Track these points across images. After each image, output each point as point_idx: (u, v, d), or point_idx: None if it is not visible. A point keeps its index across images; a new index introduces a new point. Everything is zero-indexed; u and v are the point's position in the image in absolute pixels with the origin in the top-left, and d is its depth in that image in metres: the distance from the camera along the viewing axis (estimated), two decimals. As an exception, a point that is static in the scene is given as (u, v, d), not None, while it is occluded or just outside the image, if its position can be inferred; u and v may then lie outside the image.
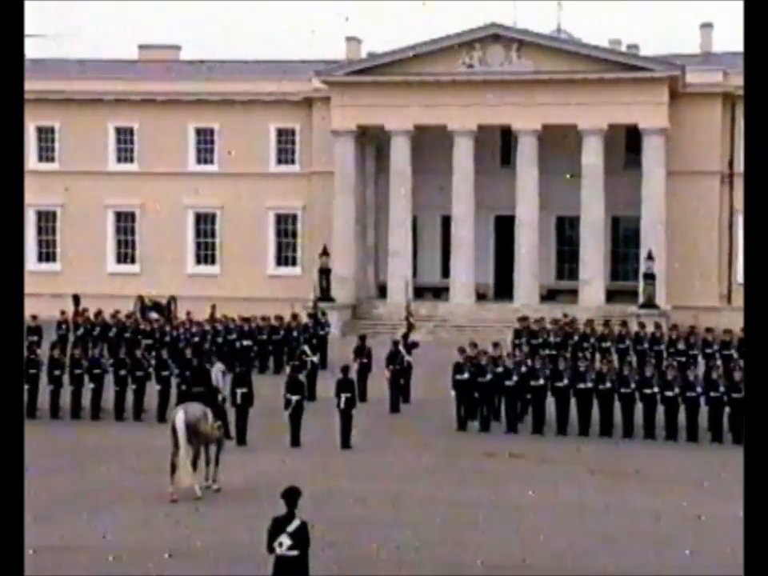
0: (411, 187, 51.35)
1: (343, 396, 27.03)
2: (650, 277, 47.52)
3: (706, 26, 56.57)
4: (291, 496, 13.16)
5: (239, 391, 27.08)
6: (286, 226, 55.58)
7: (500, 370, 30.02)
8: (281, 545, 12.97)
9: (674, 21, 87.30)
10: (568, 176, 50.11)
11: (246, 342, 38.73)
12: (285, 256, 55.67)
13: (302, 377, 29.01)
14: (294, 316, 40.53)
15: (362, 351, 34.15)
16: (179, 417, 21.15)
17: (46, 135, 56.26)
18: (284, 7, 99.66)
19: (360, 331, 42.27)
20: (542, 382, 29.64)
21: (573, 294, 50.63)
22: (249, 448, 26.40)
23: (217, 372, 25.89)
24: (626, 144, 52.47)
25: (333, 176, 52.05)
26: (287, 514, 13.09)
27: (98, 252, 55.93)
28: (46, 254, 56.87)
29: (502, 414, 30.10)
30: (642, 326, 39.04)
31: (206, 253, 56.14)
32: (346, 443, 26.89)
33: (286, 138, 55.10)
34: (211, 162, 55.73)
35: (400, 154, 51.30)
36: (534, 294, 50.42)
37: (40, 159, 56.27)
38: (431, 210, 53.63)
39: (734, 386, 28.28)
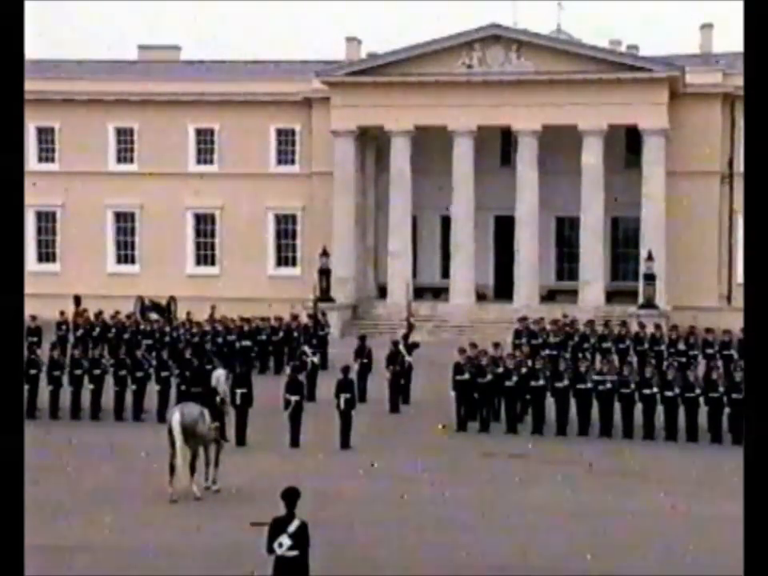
0: (411, 187, 51.39)
1: (343, 396, 27.02)
2: (649, 277, 47.52)
3: (706, 27, 56.59)
4: (291, 496, 13.15)
5: (239, 391, 27.06)
6: (286, 226, 55.60)
7: (500, 370, 30.02)
8: (281, 545, 12.96)
9: (674, 21, 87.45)
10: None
11: (245, 343, 38.73)
12: (285, 256, 55.69)
13: (301, 377, 28.99)
14: (294, 316, 40.54)
15: (362, 352, 34.15)
16: (175, 418, 21.16)
17: (46, 135, 56.27)
18: (284, 7, 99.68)
19: (360, 332, 42.25)
20: (542, 382, 29.63)
21: (573, 294, 50.63)
22: (248, 448, 26.39)
23: (219, 376, 25.67)
24: (626, 144, 52.53)
25: (333, 176, 52.08)
26: (287, 514, 13.08)
27: (98, 252, 55.95)
28: (46, 254, 56.88)
29: (502, 415, 30.10)
30: (642, 326, 39.04)
31: (205, 253, 56.15)
32: (345, 444, 26.89)
33: (286, 138, 55.13)
34: (211, 162, 55.76)
35: (400, 154, 51.33)
36: (534, 294, 50.44)
37: (40, 159, 56.29)
38: (431, 210, 53.67)
39: (734, 387, 28.27)
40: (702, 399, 28.67)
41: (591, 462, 25.35)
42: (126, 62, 59.79)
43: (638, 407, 29.19)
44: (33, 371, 30.46)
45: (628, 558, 18.09)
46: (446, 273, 52.83)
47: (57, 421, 30.59)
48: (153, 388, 30.90)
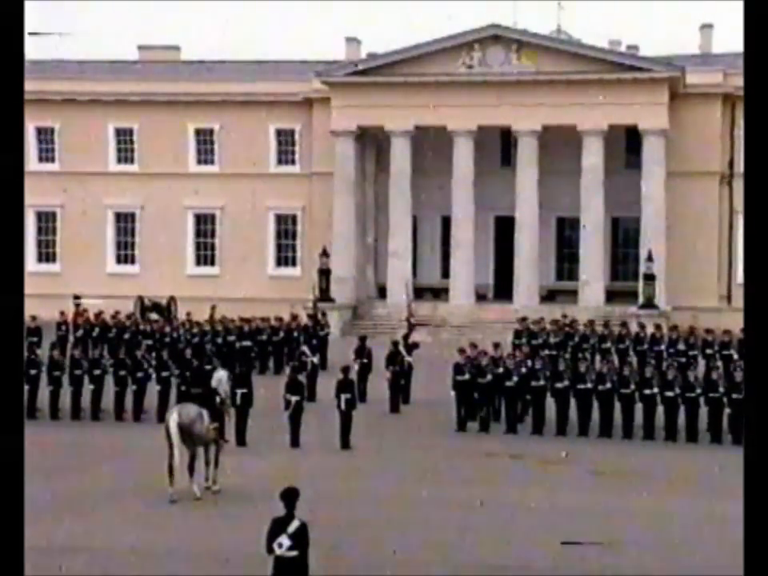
0: (411, 187, 51.38)
1: (343, 397, 27.01)
2: (649, 277, 47.51)
3: (706, 27, 56.62)
4: (290, 497, 13.15)
5: (239, 392, 27.04)
6: (286, 227, 55.59)
7: (500, 370, 30.01)
8: (280, 545, 12.95)
9: (674, 21, 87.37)
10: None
11: (245, 343, 38.72)
12: (285, 256, 55.67)
13: (301, 377, 28.98)
14: (294, 317, 40.53)
15: (362, 352, 34.14)
16: (173, 419, 21.16)
17: (45, 136, 56.26)
18: (284, 7, 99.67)
19: (360, 332, 42.26)
20: (542, 382, 29.64)
21: (573, 294, 50.62)
22: (248, 449, 26.39)
23: (221, 377, 25.58)
24: (626, 144, 52.49)
25: (333, 176, 52.07)
26: (286, 514, 13.08)
27: (98, 252, 55.93)
28: (46, 254, 56.87)
29: (502, 415, 30.10)
30: (641, 326, 39.03)
31: (205, 253, 56.14)
32: (345, 444, 26.89)
33: (286, 138, 55.13)
34: (211, 162, 55.75)
35: (400, 154, 51.32)
36: (534, 294, 50.42)
37: (40, 160, 56.28)
38: (431, 210, 53.65)
39: (733, 387, 28.26)
40: (702, 399, 28.67)
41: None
42: (126, 62, 59.76)
43: (638, 407, 29.20)
44: (33, 371, 30.45)
45: (628, 557, 18.08)
46: (446, 273, 52.81)
47: (57, 421, 30.60)
48: (153, 388, 30.91)
